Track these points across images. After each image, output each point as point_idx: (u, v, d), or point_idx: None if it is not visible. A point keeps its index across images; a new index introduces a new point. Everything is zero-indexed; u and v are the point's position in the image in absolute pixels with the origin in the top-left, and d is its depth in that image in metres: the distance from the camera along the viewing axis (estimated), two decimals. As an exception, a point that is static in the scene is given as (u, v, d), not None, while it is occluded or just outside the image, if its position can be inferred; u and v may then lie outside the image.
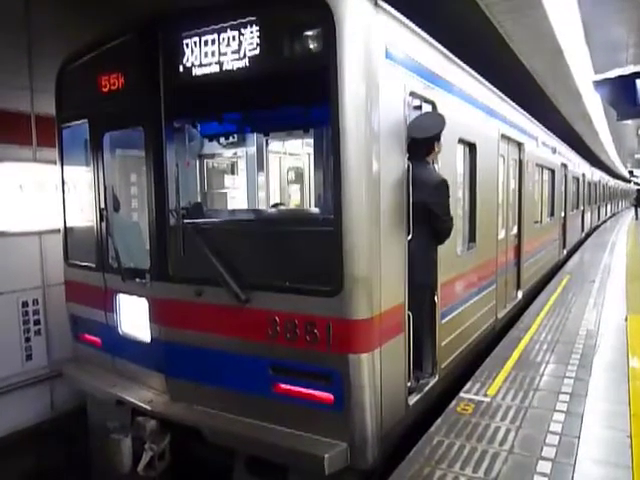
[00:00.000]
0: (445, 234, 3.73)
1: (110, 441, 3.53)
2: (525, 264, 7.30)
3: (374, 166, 2.97)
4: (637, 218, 27.12)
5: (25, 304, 4.82)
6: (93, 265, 4.21)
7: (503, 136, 5.98)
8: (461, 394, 3.98)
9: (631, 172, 40.43)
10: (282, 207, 6.02)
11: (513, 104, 6.70)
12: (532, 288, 7.94)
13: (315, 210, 5.66)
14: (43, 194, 4.97)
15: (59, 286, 4.98)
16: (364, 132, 2.89)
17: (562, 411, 3.64)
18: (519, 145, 6.89)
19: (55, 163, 4.58)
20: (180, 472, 3.64)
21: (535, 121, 8.20)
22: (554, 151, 9.77)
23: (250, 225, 4.36)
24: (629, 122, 11.49)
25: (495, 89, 5.85)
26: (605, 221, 25.94)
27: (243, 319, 3.22)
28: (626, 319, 6.14)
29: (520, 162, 6.95)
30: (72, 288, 4.56)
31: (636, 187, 36.89)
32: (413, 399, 3.54)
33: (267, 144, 6.11)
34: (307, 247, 3.18)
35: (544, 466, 2.91)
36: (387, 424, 3.13)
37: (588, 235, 17.13)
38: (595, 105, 10.29)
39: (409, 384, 3.48)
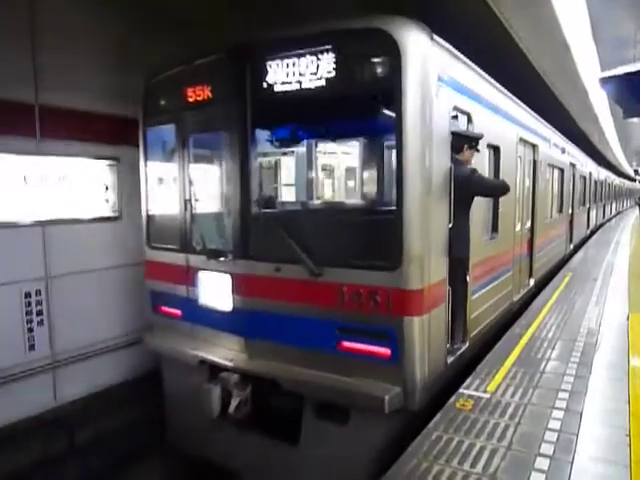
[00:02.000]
0: (502, 193, 4.79)
1: (203, 391, 4.27)
2: (537, 255, 7.91)
3: (427, 167, 3.66)
4: (642, 216, 27.00)
5: (28, 295, 4.84)
6: (176, 247, 4.86)
7: (521, 139, 6.61)
8: (461, 390, 3.99)
9: (636, 171, 40.18)
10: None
11: (529, 110, 7.27)
12: (542, 278, 8.56)
13: (373, 201, 6.99)
14: (46, 186, 4.97)
15: (62, 277, 5.03)
16: (421, 141, 3.59)
17: (561, 408, 3.63)
18: (533, 147, 7.46)
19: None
20: (258, 418, 4.33)
21: (547, 124, 8.74)
22: (563, 151, 10.27)
23: (320, 213, 5.72)
24: (635, 120, 11.41)
25: (514, 97, 6.43)
26: (610, 219, 26.36)
27: (315, 290, 3.90)
28: (628, 318, 6.13)
29: (534, 162, 7.53)
30: (153, 268, 5.18)
31: (641, 186, 36.74)
32: (450, 359, 4.24)
33: (316, 146, 7.45)
34: (371, 231, 4.05)
35: (542, 463, 2.92)
36: (431, 376, 3.82)
37: (593, 232, 17.65)
38: (601, 103, 10.23)
39: (448, 346, 4.22)
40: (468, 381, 4.17)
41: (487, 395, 3.88)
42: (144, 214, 5.23)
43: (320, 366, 3.89)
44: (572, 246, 12.58)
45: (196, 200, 4.88)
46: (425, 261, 3.67)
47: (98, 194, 5.27)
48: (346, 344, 3.82)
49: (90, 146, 5.22)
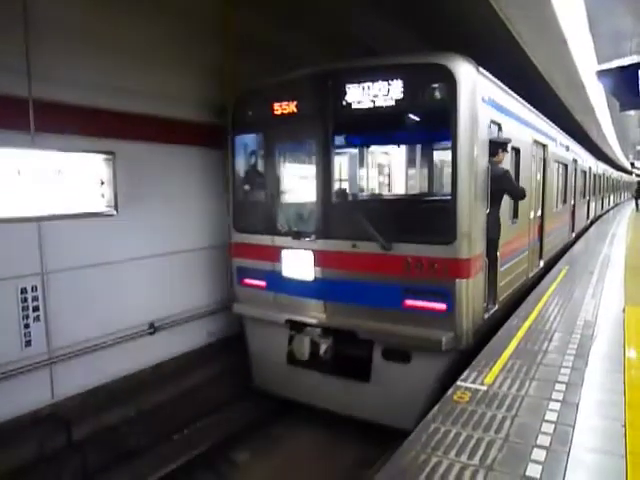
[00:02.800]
0: (521, 198, 6.19)
1: (297, 340, 5.56)
2: (545, 240, 9.09)
3: (473, 167, 4.73)
4: (637, 210, 27.08)
5: (24, 290, 4.83)
6: (262, 231, 5.92)
7: (534, 141, 7.80)
8: (458, 382, 4.00)
9: (632, 164, 40.24)
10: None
11: (541, 115, 8.48)
12: (549, 260, 9.74)
13: (431, 192, 8.92)
14: (42, 180, 4.93)
15: (58, 273, 5.02)
16: (469, 147, 4.70)
17: (558, 400, 3.66)
18: (544, 147, 8.67)
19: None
20: (338, 363, 5.45)
21: (554, 125, 9.92)
22: (567, 149, 11.59)
23: (388, 202, 7.55)
24: (632, 113, 11.42)
25: (530, 106, 7.60)
26: (608, 211, 27.39)
27: (385, 261, 5.03)
28: (624, 310, 6.16)
29: (544, 160, 8.75)
30: (239, 248, 6.20)
31: (637, 179, 36.81)
32: (486, 316, 5.44)
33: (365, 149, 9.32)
34: (430, 215, 5.38)
35: (539, 454, 2.93)
36: (474, 326, 5.02)
37: (592, 223, 18.93)
38: (598, 96, 10.24)
39: (484, 305, 5.38)
40: (465, 373, 4.18)
41: (484, 387, 3.90)
42: (231, 205, 6.31)
43: (388, 320, 5.06)
44: (574, 234, 13.67)
45: (281, 192, 6.20)
46: (471, 238, 4.78)
47: (93, 189, 5.21)
48: (409, 302, 5.00)
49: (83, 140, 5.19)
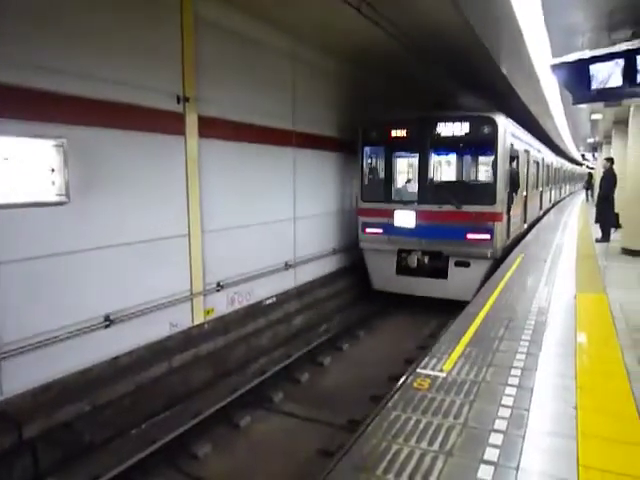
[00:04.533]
0: (518, 185, 10.78)
1: (409, 256, 9.62)
2: (528, 211, 13.81)
3: (503, 167, 9.15)
4: (587, 200, 28.22)
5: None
6: (382, 200, 10.14)
7: (524, 150, 12.12)
8: (418, 370, 4.06)
9: (583, 156, 41.84)
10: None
11: (527, 132, 13.08)
12: (529, 224, 14.40)
13: (483, 180, 13.38)
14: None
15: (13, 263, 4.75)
16: (503, 157, 9.20)
17: (514, 385, 3.76)
18: (527, 152, 12.86)
19: None
20: (429, 270, 9.61)
21: (532, 137, 14.54)
22: (539, 151, 16.41)
23: (459, 183, 12.50)
24: (584, 106, 11.82)
25: (523, 129, 12.39)
26: (565, 197, 33.74)
27: (457, 215, 9.08)
28: (575, 297, 6.40)
29: (527, 161, 12.93)
30: (364, 211, 10.20)
31: (588, 170, 38.35)
32: (506, 242, 9.89)
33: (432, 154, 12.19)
34: (483, 190, 9.67)
35: (496, 438, 3.01)
36: (501, 246, 9.37)
37: (554, 205, 24.86)
38: (552, 90, 10.56)
39: (505, 237, 9.74)
40: (425, 361, 4.25)
41: (443, 374, 3.97)
42: (359, 187, 10.33)
43: (457, 245, 9.22)
44: (542, 211, 18.78)
45: (394, 179, 11.16)
46: (502, 202, 9.20)
47: (43, 176, 4.95)
48: (470, 236, 9.08)
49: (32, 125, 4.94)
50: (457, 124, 9.18)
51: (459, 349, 4.55)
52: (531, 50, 7.52)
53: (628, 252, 9.67)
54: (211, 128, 6.96)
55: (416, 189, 9.85)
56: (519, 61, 8.58)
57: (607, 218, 11.38)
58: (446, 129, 9.27)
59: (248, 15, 7.51)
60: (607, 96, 5.94)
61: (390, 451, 2.88)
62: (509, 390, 3.68)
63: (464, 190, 10.95)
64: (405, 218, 9.58)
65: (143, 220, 6.10)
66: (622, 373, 3.98)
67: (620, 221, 11.13)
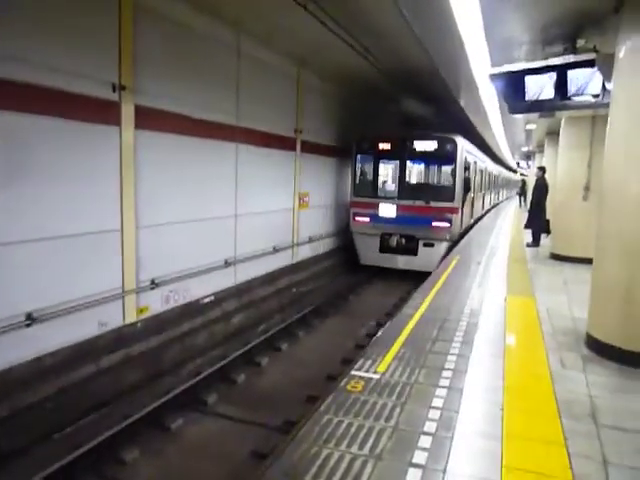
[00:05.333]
0: (470, 188, 14.11)
1: (389, 238, 12.62)
2: (474, 208, 16.92)
3: (460, 174, 12.44)
4: (520, 206, 29.62)
5: None
6: (370, 195, 13.04)
7: (474, 161, 15.24)
8: (352, 372, 4.06)
9: (518, 163, 43.92)
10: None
11: (475, 147, 16.65)
12: (475, 219, 17.70)
13: (445, 182, 14.78)
14: None
15: None
16: (460, 167, 12.45)
17: (444, 387, 3.84)
18: (475, 163, 15.88)
19: None
20: (404, 248, 12.54)
21: (479, 150, 18.34)
22: (483, 162, 19.68)
23: (426, 185, 15.45)
24: (520, 117, 12.37)
25: (472, 145, 15.73)
26: (502, 201, 38.21)
27: (426, 208, 12.19)
28: (505, 299, 6.66)
29: (475, 170, 15.97)
30: (355, 203, 12.91)
31: (522, 177, 40.29)
32: (460, 230, 13.32)
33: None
34: (444, 190, 12.94)
35: (425, 440, 3.05)
36: (457, 232, 12.77)
37: (493, 207, 28.62)
38: (490, 100, 10.99)
39: (460, 225, 13.16)
40: (360, 362, 4.26)
41: (377, 376, 3.99)
42: (352, 185, 13.22)
43: (425, 230, 12.12)
44: (484, 211, 22.04)
45: (380, 180, 14.23)
46: (458, 200, 12.35)
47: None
48: (434, 223, 12.04)
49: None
50: (428, 141, 12.38)
51: (394, 350, 4.60)
52: (474, 68, 7.86)
53: (556, 257, 10.20)
54: (149, 119, 6.68)
55: (396, 188, 13.08)
56: (468, 86, 10.05)
57: (538, 224, 11.97)
58: (420, 145, 12.44)
59: (191, 5, 7.28)
60: (540, 107, 6.22)
61: (320, 456, 2.85)
62: (440, 392, 3.74)
63: (431, 190, 14.28)
64: (387, 209, 12.54)
65: (70, 214, 5.76)
66: (546, 374, 4.16)
67: (550, 228, 11.73)
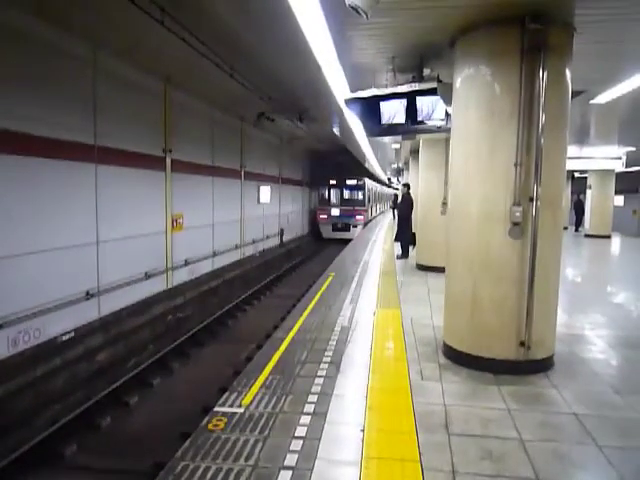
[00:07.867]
0: (369, 201, 31.73)
1: (337, 225, 28.66)
2: (372, 211, 33.88)
3: (367, 194, 29.82)
4: (394, 218, 31.60)
5: None
6: (326, 204, 28.81)
7: (371, 187, 32.33)
8: (215, 408, 3.86)
9: (389, 179, 46.87)
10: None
11: (372, 180, 34.66)
12: (371, 217, 33.09)
13: (357, 197, 29.95)
14: None
15: None
16: (367, 191, 30.03)
17: (309, 413, 3.77)
18: (372, 188, 32.53)
19: None
20: (343, 228, 28.35)
21: (374, 181, 37.23)
22: (375, 187, 35.67)
23: (348, 199, 29.90)
24: (385, 140, 13.12)
25: (371, 180, 34.39)
26: (383, 212, 45.43)
27: (352, 210, 28.19)
28: (374, 313, 6.88)
29: (371, 190, 31.75)
30: (319, 209, 28.63)
31: (394, 192, 43.21)
32: (368, 219, 31.08)
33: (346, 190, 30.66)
34: (358, 202, 29.36)
35: (285, 476, 2.94)
36: (365, 221, 29.49)
37: (378, 214, 40.51)
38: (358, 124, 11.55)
39: (369, 217, 31.86)
40: (224, 397, 4.06)
41: (241, 409, 3.83)
42: (317, 200, 29.30)
43: (352, 220, 28.01)
44: (377, 212, 38.57)
45: (331, 198, 29.22)
46: (367, 206, 29.46)
47: None
48: (356, 217, 27.94)
49: None
50: (353, 180, 28.46)
51: (262, 378, 4.47)
52: (335, 92, 8.33)
53: (421, 267, 10.91)
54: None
55: (339, 200, 28.14)
56: (338, 112, 11.67)
57: (406, 237, 12.73)
58: (349, 181, 28.50)
59: (42, 17, 6.70)
60: (394, 131, 6.60)
61: (171, 511, 2.65)
62: (304, 419, 3.67)
63: (354, 201, 28.32)
64: (335, 211, 27.58)
65: None
66: (406, 388, 4.30)
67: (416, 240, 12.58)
